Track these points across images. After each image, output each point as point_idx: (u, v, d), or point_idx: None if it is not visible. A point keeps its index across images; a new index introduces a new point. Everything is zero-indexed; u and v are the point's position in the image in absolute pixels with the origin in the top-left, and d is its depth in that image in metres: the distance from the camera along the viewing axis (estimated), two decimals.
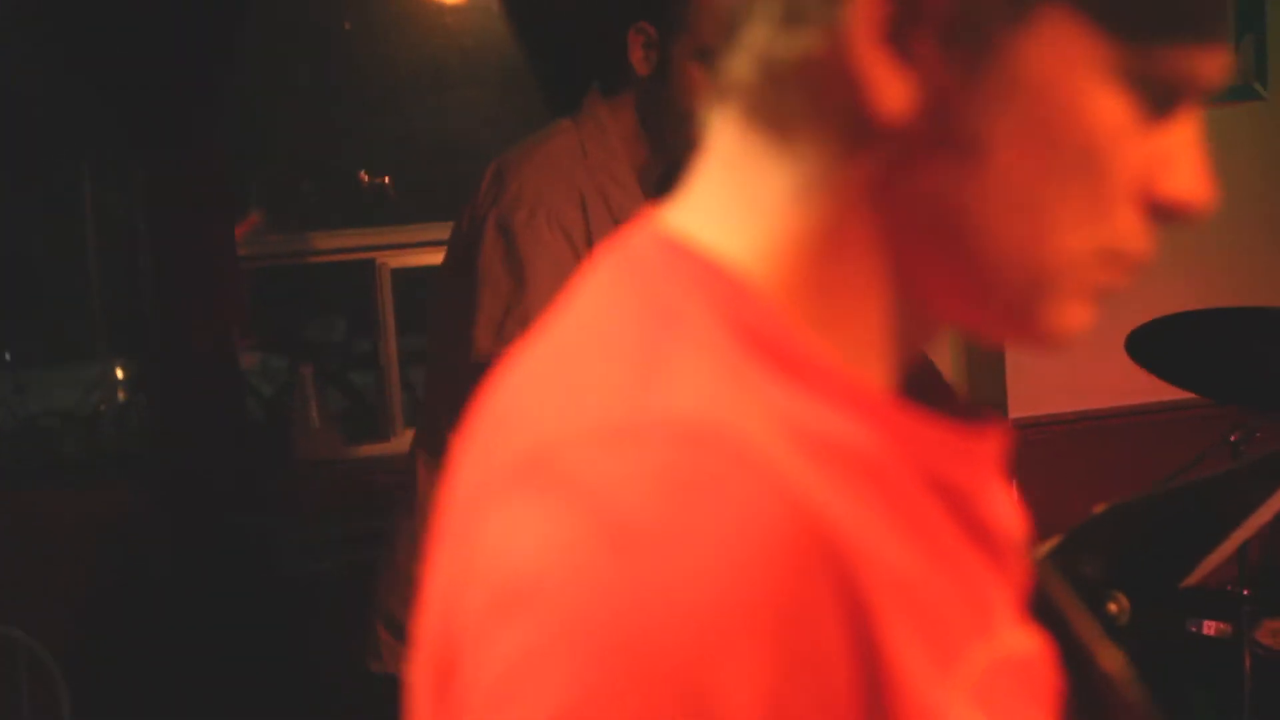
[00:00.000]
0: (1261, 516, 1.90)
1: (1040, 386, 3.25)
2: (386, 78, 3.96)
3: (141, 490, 3.40)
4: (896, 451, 0.65)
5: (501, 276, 2.00)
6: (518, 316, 1.98)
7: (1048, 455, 2.92)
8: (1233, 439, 2.53)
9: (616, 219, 2.07)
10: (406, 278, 3.90)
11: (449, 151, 4.15)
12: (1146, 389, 2.76)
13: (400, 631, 2.15)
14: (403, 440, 3.99)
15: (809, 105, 0.66)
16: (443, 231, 4.10)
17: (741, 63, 0.67)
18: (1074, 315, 0.69)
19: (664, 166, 2.23)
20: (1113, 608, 1.72)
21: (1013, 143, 0.64)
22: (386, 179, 3.22)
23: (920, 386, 0.74)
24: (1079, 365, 3.89)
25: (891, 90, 0.64)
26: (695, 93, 2.04)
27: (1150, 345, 2.71)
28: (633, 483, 0.58)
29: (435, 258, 4.04)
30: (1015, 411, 2.46)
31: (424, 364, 2.31)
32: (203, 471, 3.40)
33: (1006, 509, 0.72)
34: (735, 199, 0.69)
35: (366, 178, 3.17)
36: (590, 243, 2.03)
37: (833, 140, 0.66)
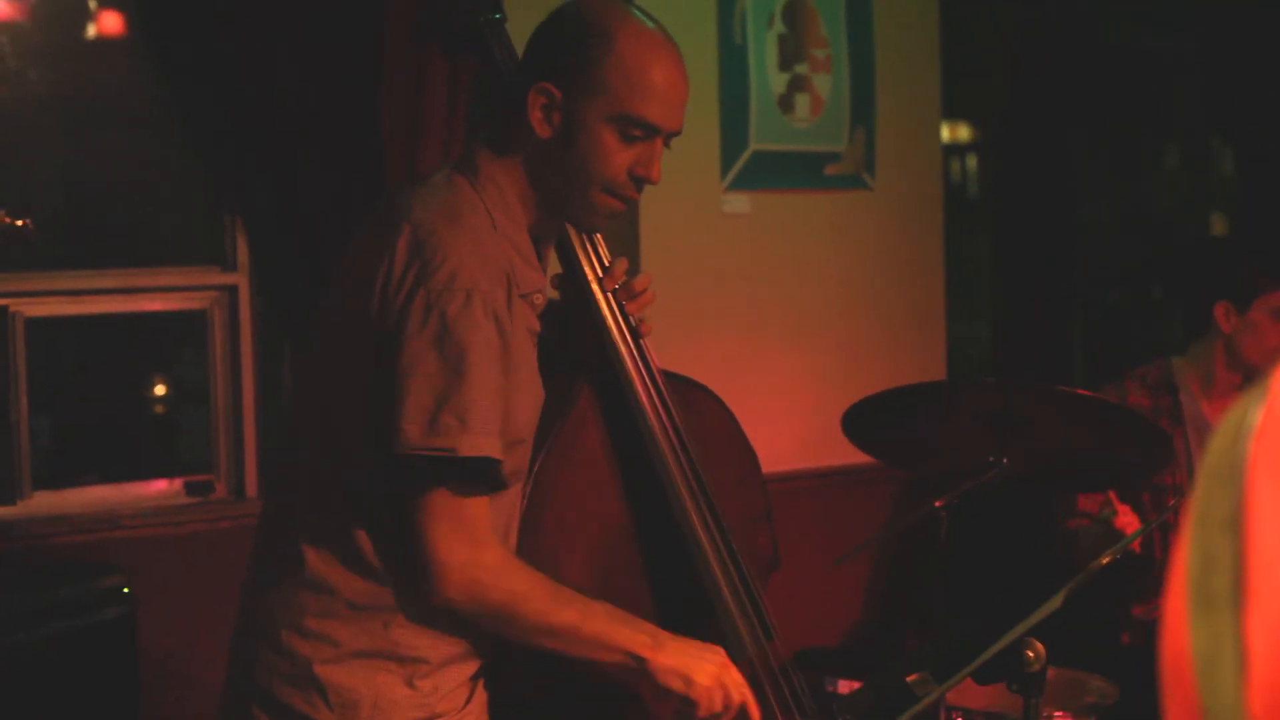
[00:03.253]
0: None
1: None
2: (25, 114, 3.81)
3: None
4: None
5: (435, 365, 1.83)
6: (455, 409, 1.82)
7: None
8: (937, 504, 2.54)
9: (522, 294, 1.95)
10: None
11: (88, 193, 4.04)
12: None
13: (283, 711, 1.94)
14: (33, 504, 3.58)
15: None
16: (88, 280, 3.79)
17: None
18: None
19: (558, 231, 2.12)
20: (1029, 654, 1.91)
21: None
22: (28, 220, 3.08)
23: None
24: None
25: None
26: (608, 158, 1.95)
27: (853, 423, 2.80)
28: None
29: (77, 307, 3.76)
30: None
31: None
32: None
33: None
34: None
35: (7, 218, 3.03)
36: (504, 325, 1.89)
37: None
